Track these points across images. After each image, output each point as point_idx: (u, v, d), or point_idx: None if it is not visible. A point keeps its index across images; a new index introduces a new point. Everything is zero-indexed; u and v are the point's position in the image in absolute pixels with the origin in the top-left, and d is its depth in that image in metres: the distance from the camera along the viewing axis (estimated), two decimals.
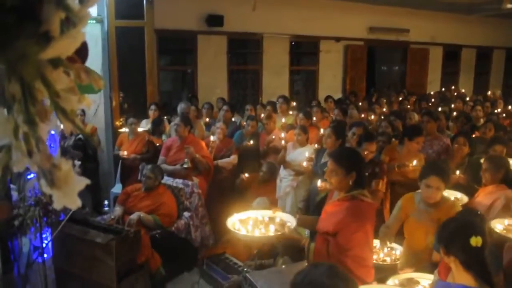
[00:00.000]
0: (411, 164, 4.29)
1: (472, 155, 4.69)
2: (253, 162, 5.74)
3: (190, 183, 4.69)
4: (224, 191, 5.46)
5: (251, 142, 5.70)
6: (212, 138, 5.46)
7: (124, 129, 6.33)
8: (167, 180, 4.68)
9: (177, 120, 5.26)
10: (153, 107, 6.73)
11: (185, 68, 9.80)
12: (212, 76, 9.17)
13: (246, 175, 5.05)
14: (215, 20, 8.75)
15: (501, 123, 6.42)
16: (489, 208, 3.49)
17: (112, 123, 7.29)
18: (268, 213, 3.08)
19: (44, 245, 3.27)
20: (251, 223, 2.98)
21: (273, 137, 5.74)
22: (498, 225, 3.13)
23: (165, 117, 6.89)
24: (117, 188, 5.88)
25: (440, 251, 2.13)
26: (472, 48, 13.29)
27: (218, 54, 9.21)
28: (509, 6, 7.70)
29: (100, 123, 7.18)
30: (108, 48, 7.10)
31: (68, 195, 0.66)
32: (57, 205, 0.65)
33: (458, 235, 2.06)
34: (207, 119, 6.83)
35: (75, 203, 0.67)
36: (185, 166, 4.82)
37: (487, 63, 14.03)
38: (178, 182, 4.68)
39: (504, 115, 7.50)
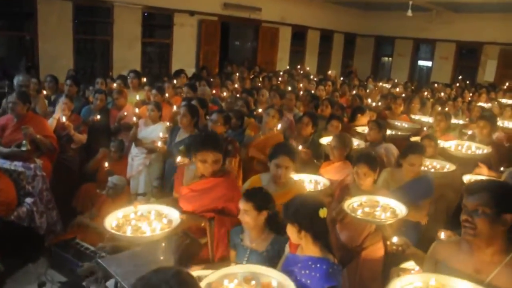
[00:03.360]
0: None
1: (315, 132, 5.12)
2: (103, 139, 5.46)
3: (32, 165, 4.24)
4: (71, 172, 5.10)
5: (99, 117, 5.37)
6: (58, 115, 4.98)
7: None
8: (3, 163, 4.15)
9: (12, 96, 4.54)
10: None
11: (23, 34, 8.76)
12: (56, 44, 8.40)
13: (106, 164, 4.78)
14: None
15: (338, 101, 7.09)
16: (339, 184, 3.82)
17: None
18: (131, 209, 2.85)
19: None
20: (133, 222, 2.72)
21: (125, 113, 5.52)
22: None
23: None
24: None
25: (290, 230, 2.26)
26: (316, 30, 14.45)
27: (63, 20, 8.45)
28: None
29: None
30: None
31: None
32: None
33: (308, 210, 2.22)
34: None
35: None
36: (23, 148, 4.29)
37: (329, 45, 15.41)
38: (17, 165, 4.19)
39: (340, 93, 8.25)
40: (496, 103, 8.07)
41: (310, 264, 2.20)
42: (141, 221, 2.73)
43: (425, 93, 9.57)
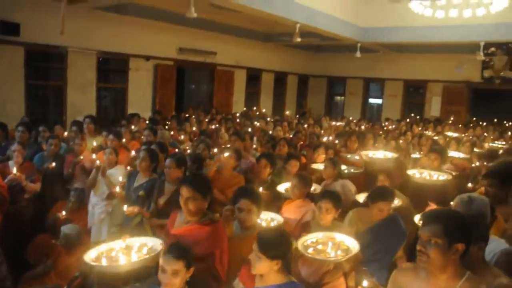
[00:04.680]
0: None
1: (274, 171, 5.18)
2: (58, 186, 5.27)
3: None
4: (22, 223, 4.85)
5: (54, 164, 5.21)
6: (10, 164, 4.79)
7: None
8: None
9: None
10: None
11: None
12: (6, 90, 8.20)
13: (63, 213, 4.58)
14: (9, 28, 7.87)
15: (293, 141, 7.24)
16: (299, 221, 3.85)
17: None
18: (119, 242, 2.80)
19: None
20: (114, 254, 2.68)
21: (81, 157, 5.39)
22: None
23: None
24: None
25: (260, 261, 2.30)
26: (271, 72, 14.88)
27: (14, 66, 8.28)
28: (298, 39, 8.90)
29: None
30: None
31: None
32: None
33: (287, 244, 2.37)
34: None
35: None
36: None
37: (283, 86, 15.87)
38: None
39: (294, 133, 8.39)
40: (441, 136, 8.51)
41: None
42: (122, 253, 2.70)
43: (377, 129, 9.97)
